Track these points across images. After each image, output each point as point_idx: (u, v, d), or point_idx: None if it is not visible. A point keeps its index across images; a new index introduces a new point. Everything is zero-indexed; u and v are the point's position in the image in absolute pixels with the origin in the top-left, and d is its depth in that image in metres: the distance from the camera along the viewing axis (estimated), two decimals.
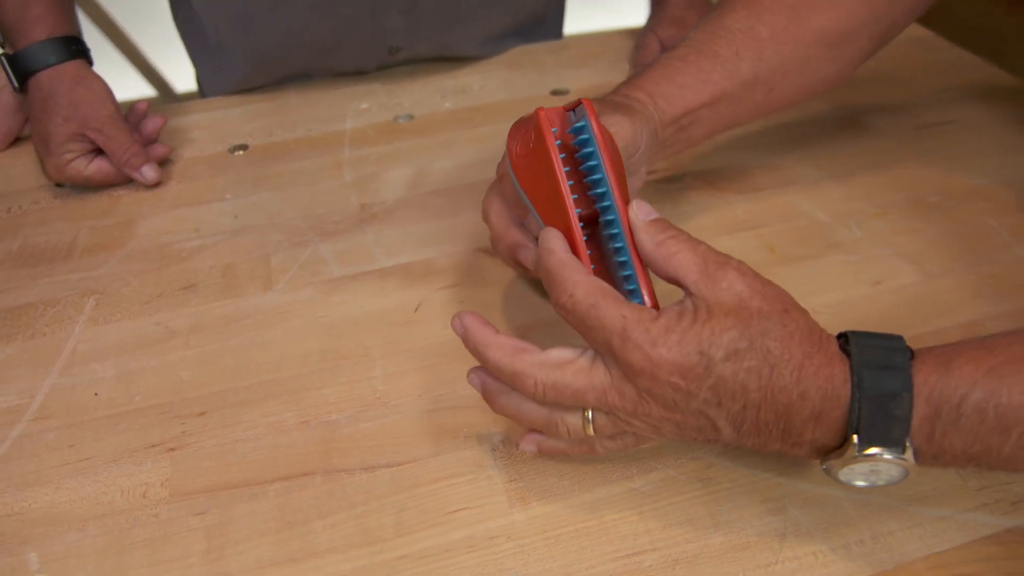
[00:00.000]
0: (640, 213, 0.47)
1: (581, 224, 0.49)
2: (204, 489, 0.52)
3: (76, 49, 0.80)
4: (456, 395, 0.57)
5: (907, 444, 0.42)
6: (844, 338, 0.44)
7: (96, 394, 0.59)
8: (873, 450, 0.42)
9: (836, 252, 0.69)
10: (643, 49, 0.97)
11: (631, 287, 0.48)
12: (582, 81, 0.97)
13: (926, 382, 0.42)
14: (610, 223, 0.49)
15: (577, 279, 0.45)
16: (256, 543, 0.49)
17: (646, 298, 0.47)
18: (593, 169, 0.49)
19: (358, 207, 0.77)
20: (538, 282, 0.66)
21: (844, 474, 0.44)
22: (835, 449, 0.44)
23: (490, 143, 0.86)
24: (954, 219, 0.72)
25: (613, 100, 0.62)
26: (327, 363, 0.60)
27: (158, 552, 0.49)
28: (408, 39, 0.96)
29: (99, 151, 0.81)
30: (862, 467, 0.43)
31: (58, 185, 0.83)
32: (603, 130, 0.51)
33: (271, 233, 0.74)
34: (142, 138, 0.85)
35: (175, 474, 0.53)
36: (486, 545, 0.48)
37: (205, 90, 1.03)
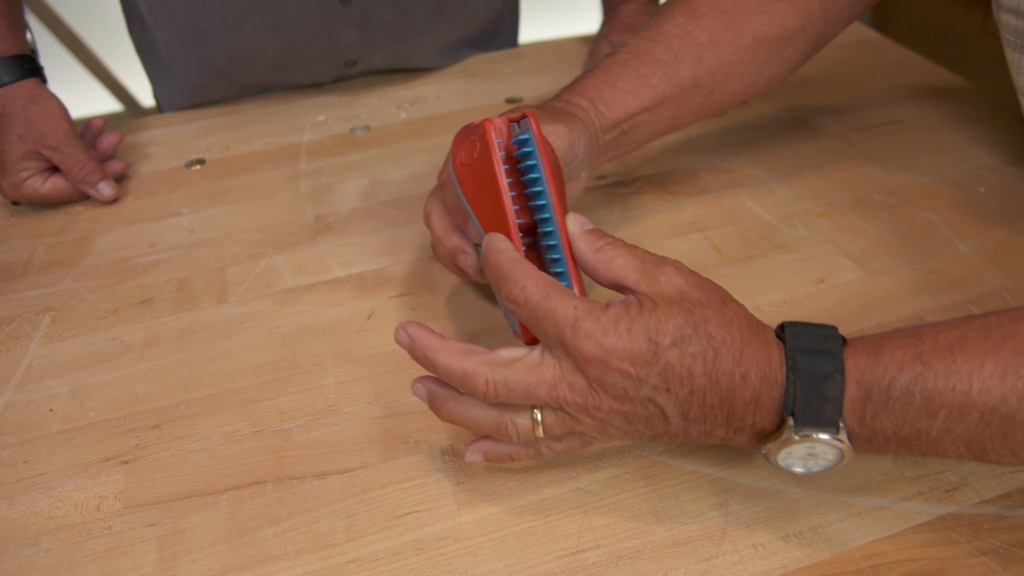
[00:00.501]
0: (577, 224, 0.49)
1: (521, 234, 0.50)
2: (157, 500, 0.53)
3: (29, 68, 0.81)
4: (407, 401, 0.58)
5: (840, 425, 0.43)
6: (781, 328, 0.46)
7: (51, 410, 0.59)
8: (808, 431, 0.43)
9: (781, 252, 0.70)
10: (596, 55, 0.99)
11: None
12: (537, 89, 0.98)
13: (857, 365, 0.44)
14: (549, 234, 0.50)
15: (528, 273, 0.46)
16: (208, 552, 0.50)
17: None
18: (535, 181, 0.51)
19: (313, 219, 0.78)
20: (486, 288, 0.68)
21: (782, 458, 0.46)
22: (773, 433, 0.45)
23: (444, 153, 0.87)
24: (897, 216, 0.74)
25: (554, 107, 0.63)
26: (280, 373, 0.61)
27: (111, 564, 0.49)
28: (363, 52, 0.97)
29: (55, 169, 0.81)
30: (799, 450, 0.45)
31: (14, 203, 0.83)
32: (545, 142, 0.52)
33: (227, 246, 0.75)
34: (99, 154, 0.85)
35: (129, 486, 0.54)
36: (434, 547, 0.49)
37: (162, 104, 1.03)
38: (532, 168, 0.51)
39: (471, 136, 0.54)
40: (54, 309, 0.69)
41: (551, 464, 0.53)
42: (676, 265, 0.47)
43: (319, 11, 0.92)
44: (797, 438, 0.44)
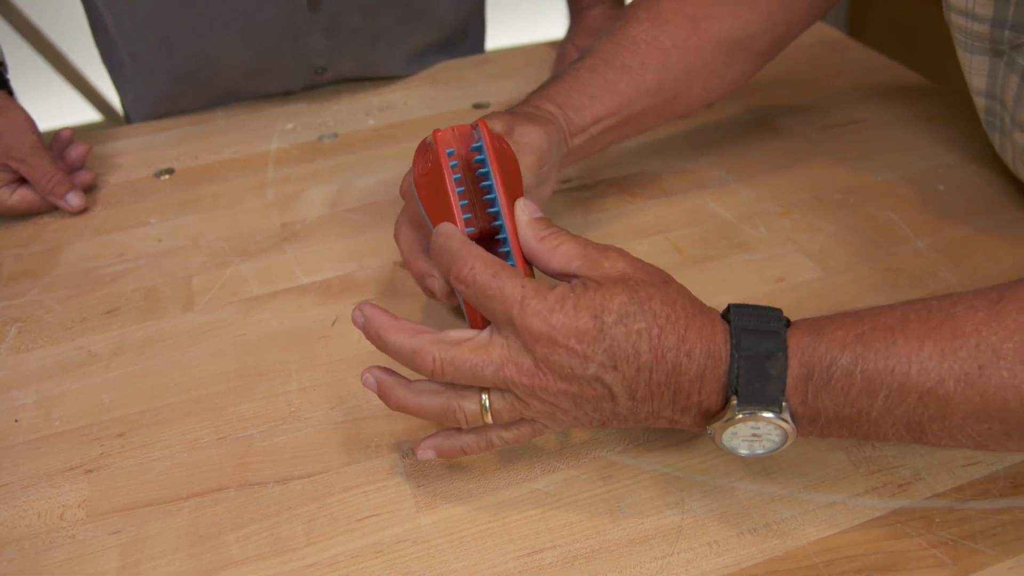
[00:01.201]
0: (526, 212, 0.50)
1: (476, 242, 0.51)
2: (120, 508, 0.53)
3: None
4: (368, 406, 0.59)
5: (783, 404, 0.45)
6: (727, 310, 0.47)
7: (16, 420, 0.60)
8: (751, 409, 0.44)
9: (741, 252, 0.71)
10: (563, 59, 1.00)
11: None
12: (504, 94, 0.99)
13: (799, 344, 0.45)
14: (504, 240, 0.51)
15: (476, 253, 0.47)
16: (170, 558, 0.50)
17: None
18: (489, 188, 0.52)
19: (279, 226, 0.78)
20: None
21: (728, 439, 0.47)
22: (718, 412, 0.46)
23: (411, 158, 0.87)
24: (856, 215, 0.75)
25: (525, 111, 0.64)
26: (244, 380, 0.62)
27: (73, 572, 0.50)
28: (332, 59, 0.98)
29: (22, 180, 0.81)
30: (743, 430, 0.46)
31: None
32: (500, 148, 0.53)
33: (194, 255, 0.75)
34: (67, 165, 0.85)
35: (92, 495, 0.54)
36: (393, 549, 0.50)
37: (130, 113, 1.03)
38: (486, 175, 0.52)
39: (427, 148, 0.55)
40: (21, 320, 0.69)
41: (509, 465, 0.54)
42: (619, 251, 0.48)
43: (288, 18, 0.92)
44: (741, 416, 0.45)
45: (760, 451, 0.48)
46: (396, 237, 0.63)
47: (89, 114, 2.33)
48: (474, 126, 0.53)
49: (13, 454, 0.57)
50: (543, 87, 0.68)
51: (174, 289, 0.71)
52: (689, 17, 0.68)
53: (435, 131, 0.53)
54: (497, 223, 0.52)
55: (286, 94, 1.01)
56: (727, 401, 0.45)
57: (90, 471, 0.56)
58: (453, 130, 0.54)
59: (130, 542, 0.51)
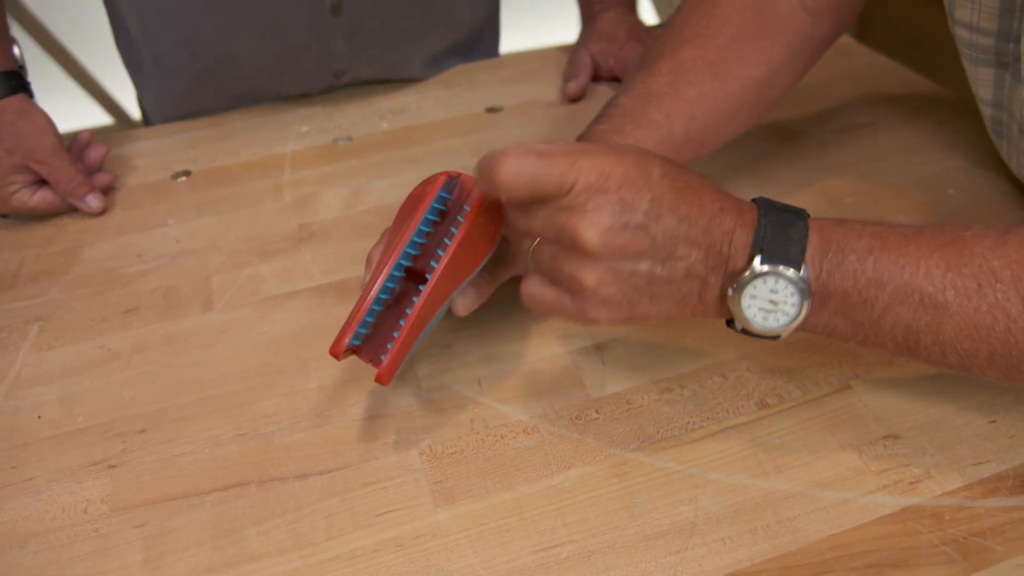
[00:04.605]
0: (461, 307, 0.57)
1: (401, 273, 0.54)
2: (143, 503, 0.54)
3: (17, 84, 0.82)
4: (387, 403, 0.60)
5: (803, 267, 0.48)
6: (753, 200, 0.51)
7: (39, 416, 0.61)
8: (774, 265, 0.48)
9: None
10: (575, 63, 1.01)
11: (388, 345, 0.53)
12: (516, 98, 1.00)
13: (821, 224, 0.50)
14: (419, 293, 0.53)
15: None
16: (193, 551, 0.51)
17: (384, 360, 0.52)
18: (445, 248, 0.54)
19: (296, 227, 0.80)
20: None
21: (747, 302, 0.49)
22: (742, 270, 0.49)
23: (425, 162, 0.88)
24: (868, 218, 0.75)
25: None
26: (264, 377, 0.63)
27: (98, 564, 0.51)
28: (352, 62, 0.99)
29: (43, 182, 0.83)
30: (763, 290, 0.48)
31: (3, 216, 0.84)
32: (479, 224, 0.55)
33: (212, 256, 0.77)
34: (86, 167, 0.87)
35: (115, 490, 0.55)
36: (412, 544, 0.51)
37: (149, 114, 1.04)
38: (451, 237, 0.54)
39: (436, 179, 0.56)
40: (43, 319, 0.70)
41: (526, 462, 0.55)
42: None
43: (311, 20, 0.93)
44: (765, 269, 0.47)
45: (773, 324, 0.49)
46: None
47: (100, 118, 2.34)
48: (480, 201, 0.55)
49: (37, 449, 0.58)
50: None
51: (193, 289, 0.72)
52: (710, 63, 0.68)
53: (442, 173, 0.56)
54: (428, 276, 0.53)
55: (303, 96, 1.02)
56: (751, 261, 0.48)
57: (113, 466, 0.57)
58: (467, 180, 0.56)
59: (153, 536, 0.52)
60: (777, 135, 0.90)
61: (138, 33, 0.95)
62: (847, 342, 0.51)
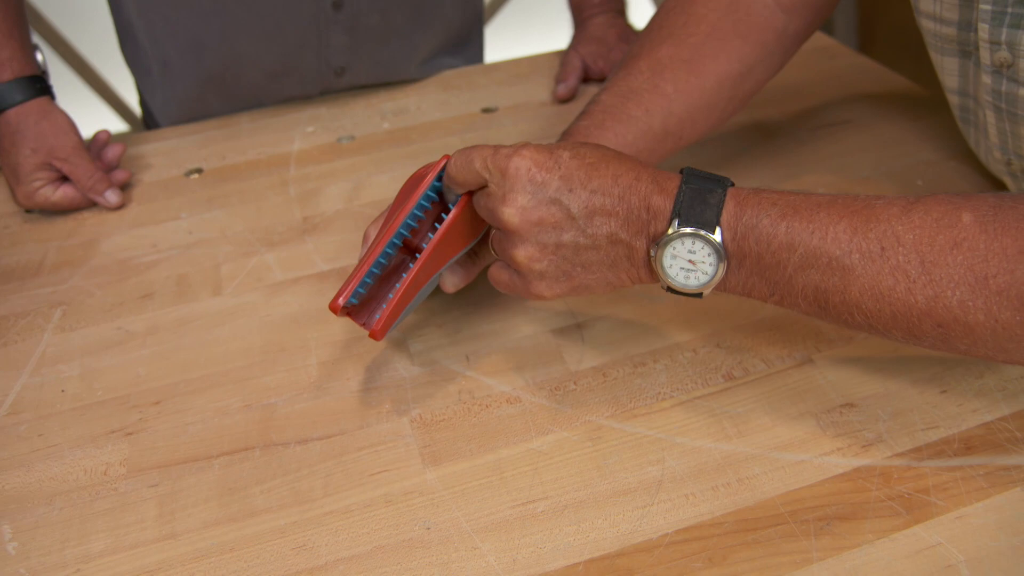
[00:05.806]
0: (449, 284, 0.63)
1: (397, 250, 0.61)
2: (157, 465, 0.59)
3: (40, 87, 0.88)
4: (381, 376, 0.65)
5: (718, 230, 0.52)
6: (680, 171, 0.55)
7: (63, 391, 0.66)
8: (690, 227, 0.52)
9: None
10: (566, 66, 1.05)
11: (383, 305, 0.59)
12: (511, 99, 1.05)
13: (738, 191, 0.54)
14: (408, 268, 0.59)
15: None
16: (202, 508, 0.56)
17: (378, 318, 0.58)
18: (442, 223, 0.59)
19: (300, 219, 0.85)
20: None
21: (667, 261, 0.54)
22: (664, 234, 0.53)
23: (422, 158, 0.93)
24: None
25: None
26: (268, 355, 0.68)
27: (116, 519, 0.56)
28: (350, 58, 1.03)
29: (64, 179, 0.88)
30: (682, 251, 0.53)
31: (27, 211, 0.90)
32: (471, 212, 0.60)
33: (222, 246, 0.82)
34: (104, 165, 0.92)
35: (132, 454, 0.60)
36: (402, 500, 0.56)
37: (158, 118, 1.08)
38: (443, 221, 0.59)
39: (436, 165, 0.61)
40: (65, 303, 0.75)
41: (507, 429, 0.60)
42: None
43: (313, 18, 0.98)
44: (685, 230, 0.52)
45: (694, 282, 0.54)
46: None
47: (113, 123, 2.40)
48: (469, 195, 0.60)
49: (61, 419, 0.63)
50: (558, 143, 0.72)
51: (204, 276, 0.78)
52: (685, 60, 0.71)
53: (445, 156, 0.60)
54: (424, 246, 0.59)
55: (305, 98, 1.07)
56: (671, 224, 0.53)
57: (130, 434, 0.62)
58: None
59: (166, 494, 0.57)
60: (758, 133, 0.94)
61: (146, 40, 1.00)
62: (766, 301, 0.55)
